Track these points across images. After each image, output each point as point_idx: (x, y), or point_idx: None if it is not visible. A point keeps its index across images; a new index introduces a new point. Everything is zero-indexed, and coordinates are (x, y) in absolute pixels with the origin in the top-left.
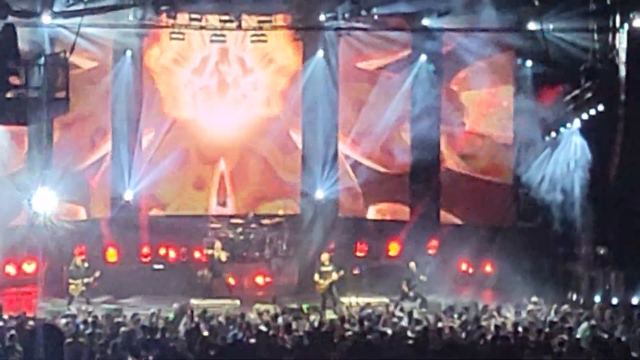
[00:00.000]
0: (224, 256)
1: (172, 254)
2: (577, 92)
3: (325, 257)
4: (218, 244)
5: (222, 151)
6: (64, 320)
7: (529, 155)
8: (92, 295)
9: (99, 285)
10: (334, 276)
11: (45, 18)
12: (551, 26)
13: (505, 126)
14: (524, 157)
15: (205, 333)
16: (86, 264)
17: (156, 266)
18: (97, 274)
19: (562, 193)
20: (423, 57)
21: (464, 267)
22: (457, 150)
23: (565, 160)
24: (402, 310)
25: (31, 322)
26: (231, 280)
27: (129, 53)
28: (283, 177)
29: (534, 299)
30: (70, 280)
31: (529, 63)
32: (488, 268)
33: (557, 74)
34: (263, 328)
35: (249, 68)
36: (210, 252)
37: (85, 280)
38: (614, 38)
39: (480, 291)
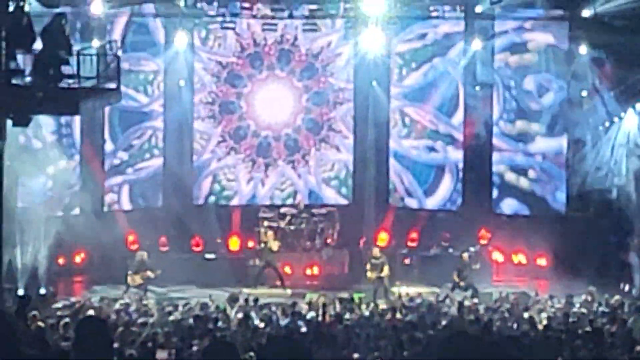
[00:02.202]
0: (275, 246)
1: (223, 244)
2: (631, 80)
3: (376, 250)
4: (270, 234)
5: (274, 137)
6: (117, 308)
7: (582, 143)
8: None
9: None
10: (385, 270)
11: (96, 7)
12: (605, 11)
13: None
14: (577, 145)
15: (257, 322)
16: (146, 258)
17: (207, 256)
18: (159, 272)
19: (615, 182)
20: (477, 44)
21: (516, 257)
22: (509, 135)
23: (619, 149)
24: (452, 300)
25: (83, 311)
26: (287, 270)
27: (180, 46)
28: (334, 165)
29: (589, 288)
30: (131, 274)
31: (582, 50)
32: (541, 259)
33: (611, 61)
34: (314, 317)
35: (300, 56)
36: (262, 242)
37: (149, 273)
38: None
39: (533, 281)
